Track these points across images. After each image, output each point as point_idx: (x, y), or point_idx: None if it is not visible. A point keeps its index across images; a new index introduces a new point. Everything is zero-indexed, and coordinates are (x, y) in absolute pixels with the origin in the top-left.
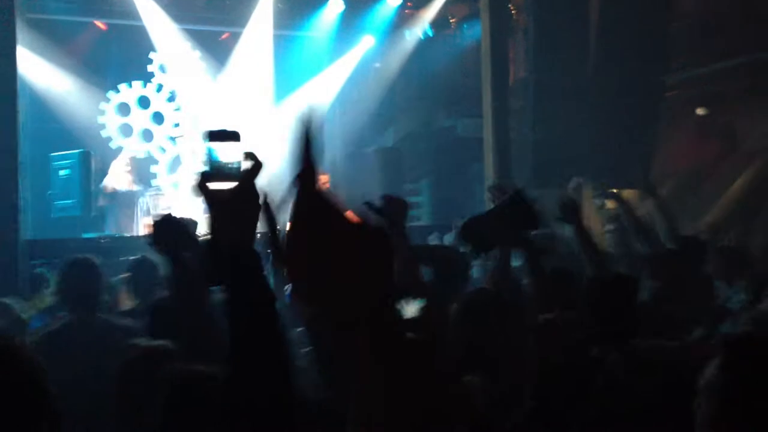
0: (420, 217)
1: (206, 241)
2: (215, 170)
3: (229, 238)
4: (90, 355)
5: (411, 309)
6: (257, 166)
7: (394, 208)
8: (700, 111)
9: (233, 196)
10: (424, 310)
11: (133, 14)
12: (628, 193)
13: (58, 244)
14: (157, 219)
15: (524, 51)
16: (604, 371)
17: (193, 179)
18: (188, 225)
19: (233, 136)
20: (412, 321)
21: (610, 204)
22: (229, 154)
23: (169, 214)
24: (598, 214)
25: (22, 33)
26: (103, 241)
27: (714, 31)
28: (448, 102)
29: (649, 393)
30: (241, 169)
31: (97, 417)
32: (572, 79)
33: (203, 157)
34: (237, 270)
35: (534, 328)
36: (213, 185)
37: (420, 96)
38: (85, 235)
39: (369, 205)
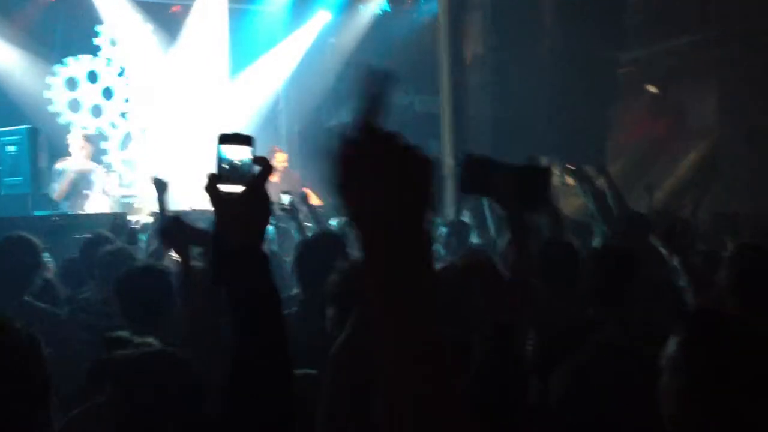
0: None
1: (213, 243)
2: (225, 173)
3: (236, 240)
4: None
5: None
6: (267, 170)
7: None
8: (651, 89)
9: (242, 199)
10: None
11: None
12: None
13: (7, 223)
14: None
15: (481, 28)
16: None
17: (203, 181)
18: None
19: (245, 140)
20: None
21: (569, 180)
22: (241, 156)
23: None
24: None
25: None
26: (55, 219)
27: (666, 8)
28: (405, 78)
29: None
30: (251, 173)
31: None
32: (529, 57)
33: (214, 159)
34: (244, 271)
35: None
36: (223, 187)
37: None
38: (37, 213)
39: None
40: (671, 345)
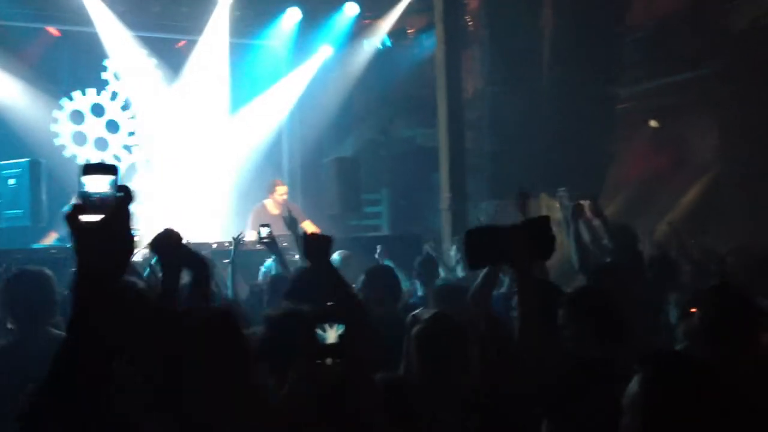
0: (379, 227)
1: (74, 272)
2: (87, 202)
3: (94, 268)
4: (35, 372)
5: (332, 334)
6: (127, 198)
7: (315, 245)
8: (652, 123)
9: (101, 227)
10: (343, 336)
11: (87, 21)
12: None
13: (5, 255)
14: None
15: (480, 63)
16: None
17: (66, 211)
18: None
19: (107, 169)
20: (331, 346)
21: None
22: (102, 186)
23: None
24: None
25: None
26: (53, 251)
27: (666, 44)
28: (407, 112)
29: None
30: (114, 202)
31: None
32: (527, 91)
33: (78, 190)
34: (99, 299)
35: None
36: (84, 217)
37: (379, 106)
38: (35, 246)
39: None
40: (632, 385)
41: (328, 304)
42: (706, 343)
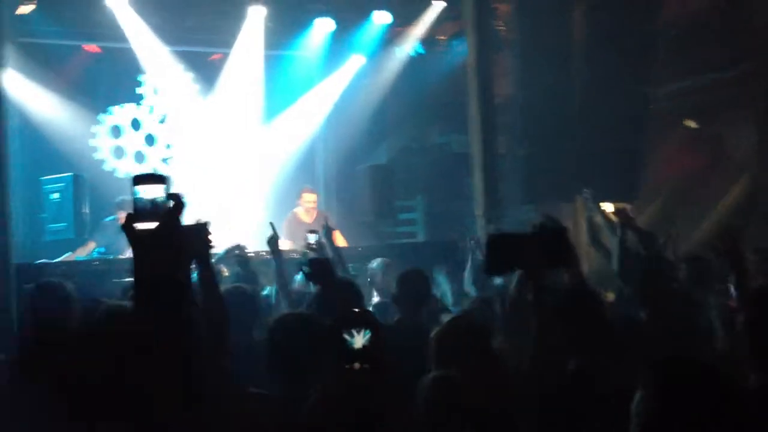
0: (414, 233)
1: (134, 276)
2: (140, 211)
3: (151, 273)
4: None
5: (359, 340)
6: (178, 205)
7: (317, 269)
8: (688, 123)
9: (155, 234)
10: (370, 341)
11: (124, 37)
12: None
13: (50, 268)
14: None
15: (512, 67)
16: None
17: (122, 220)
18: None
19: (158, 179)
20: (359, 351)
21: (597, 218)
22: (155, 195)
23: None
24: (588, 228)
25: (13, 57)
26: (96, 263)
27: (702, 42)
28: (441, 118)
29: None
30: (165, 210)
31: None
32: (559, 94)
33: (132, 200)
34: (158, 302)
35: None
36: (139, 225)
37: (412, 113)
38: (78, 258)
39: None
40: (639, 393)
41: (355, 310)
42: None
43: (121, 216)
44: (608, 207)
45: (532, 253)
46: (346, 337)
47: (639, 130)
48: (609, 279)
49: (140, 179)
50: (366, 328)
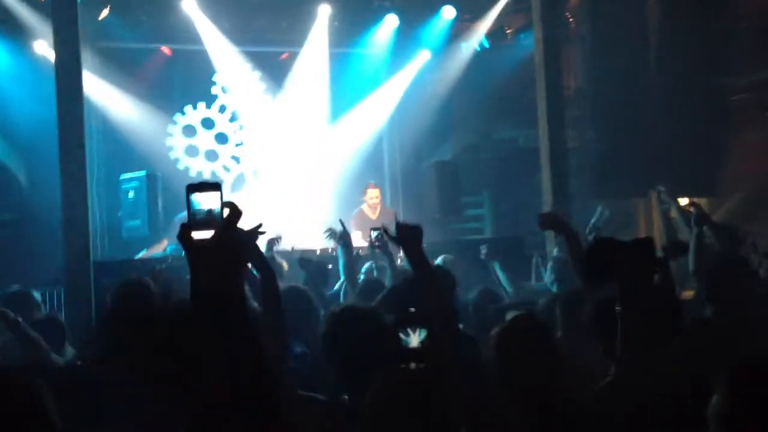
0: (482, 229)
1: (190, 288)
2: (197, 220)
3: (209, 284)
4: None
5: (415, 339)
6: (235, 214)
7: (406, 234)
8: None
9: (212, 243)
10: (427, 340)
11: (196, 39)
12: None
13: (126, 265)
14: None
15: (581, 60)
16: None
17: (179, 230)
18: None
19: (213, 187)
20: (415, 351)
21: (672, 214)
22: (210, 204)
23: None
24: (663, 224)
25: (92, 61)
26: (170, 260)
27: None
28: (508, 113)
29: None
30: (221, 218)
31: None
32: (632, 87)
33: (188, 209)
34: (218, 314)
35: None
36: (196, 234)
37: (478, 108)
38: (154, 256)
39: (387, 235)
40: (717, 397)
41: (410, 310)
42: None
43: None
44: (683, 202)
45: (631, 262)
46: (402, 336)
47: (718, 123)
48: (687, 276)
49: (194, 187)
50: (423, 328)
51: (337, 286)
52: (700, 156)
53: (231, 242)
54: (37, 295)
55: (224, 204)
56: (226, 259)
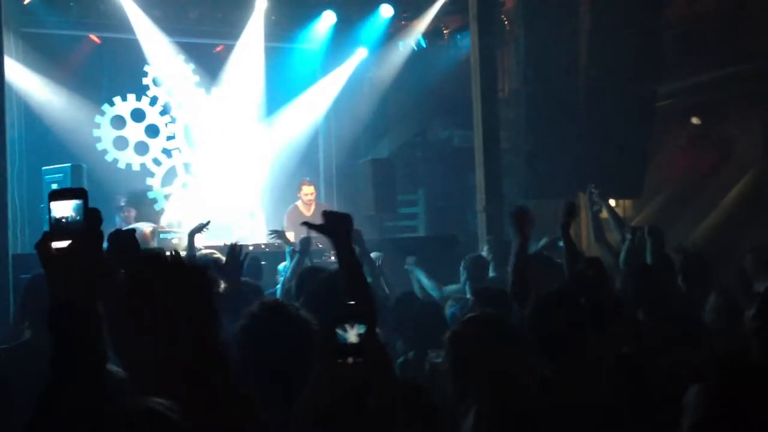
0: (416, 228)
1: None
2: (56, 229)
3: (63, 294)
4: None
5: (353, 334)
6: (92, 223)
7: (335, 222)
8: (694, 120)
9: (69, 253)
10: (364, 335)
11: (127, 28)
12: (623, 203)
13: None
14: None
15: (515, 62)
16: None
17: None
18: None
19: (77, 194)
20: (352, 346)
21: (603, 214)
22: (70, 211)
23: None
24: (593, 224)
25: (15, 47)
26: None
27: (706, 39)
28: (443, 113)
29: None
30: (82, 227)
31: None
32: (564, 90)
33: (48, 216)
34: (66, 326)
35: None
36: (55, 243)
37: (414, 106)
38: None
39: (308, 224)
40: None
41: (349, 303)
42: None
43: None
44: (611, 204)
45: None
46: (339, 332)
47: (644, 127)
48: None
49: (56, 194)
50: (360, 322)
51: (278, 287)
52: (626, 159)
53: (86, 253)
54: None
55: (87, 212)
56: (79, 270)
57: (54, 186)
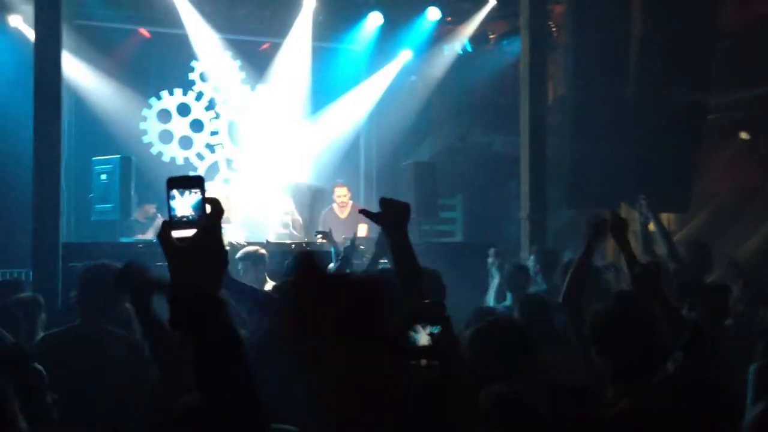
0: (453, 232)
1: (169, 290)
2: (177, 218)
3: (188, 286)
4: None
5: (424, 335)
6: (216, 212)
7: (393, 212)
8: (743, 135)
9: (192, 243)
10: (438, 336)
11: (177, 23)
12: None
13: (95, 248)
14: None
15: (564, 68)
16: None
17: (159, 230)
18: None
19: (195, 182)
20: (425, 348)
21: (651, 226)
22: (192, 200)
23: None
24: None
25: (68, 39)
26: (140, 246)
27: (760, 52)
28: (485, 118)
29: None
30: (203, 216)
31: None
32: (612, 98)
33: (168, 206)
34: (197, 318)
35: None
36: (176, 233)
37: (457, 111)
38: (123, 240)
39: (365, 212)
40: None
41: (425, 302)
42: None
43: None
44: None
45: None
46: (411, 332)
47: (692, 140)
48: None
49: (175, 182)
50: (434, 323)
51: None
52: (673, 171)
53: (210, 243)
54: None
55: (207, 200)
56: (203, 260)
57: (103, 177)
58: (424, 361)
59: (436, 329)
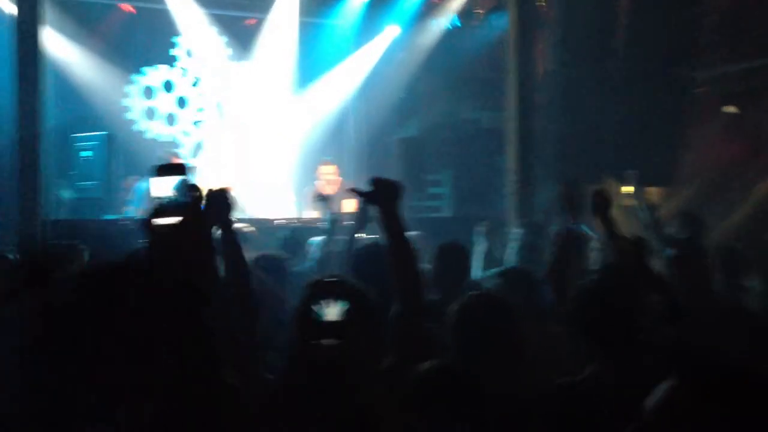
0: (440, 208)
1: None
2: (160, 206)
3: (170, 271)
4: None
5: (332, 311)
6: (199, 199)
7: (384, 190)
8: (729, 109)
9: (175, 230)
10: (347, 313)
11: None
12: (652, 191)
13: (80, 225)
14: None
15: (552, 44)
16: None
17: (143, 217)
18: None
19: (178, 170)
20: (333, 324)
21: (627, 201)
22: (172, 188)
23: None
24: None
25: (49, 13)
26: (124, 222)
27: (746, 26)
28: (473, 94)
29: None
30: (187, 203)
31: None
32: (599, 74)
33: (150, 194)
34: (175, 304)
35: None
36: (158, 221)
37: (445, 87)
38: (106, 217)
39: (355, 190)
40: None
41: (331, 277)
42: None
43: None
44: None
45: None
46: (315, 308)
47: (679, 114)
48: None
49: (159, 170)
50: (344, 299)
51: (307, 265)
52: (659, 145)
53: (193, 229)
54: None
55: (189, 187)
56: (186, 247)
57: (87, 154)
58: (329, 340)
59: (345, 306)
